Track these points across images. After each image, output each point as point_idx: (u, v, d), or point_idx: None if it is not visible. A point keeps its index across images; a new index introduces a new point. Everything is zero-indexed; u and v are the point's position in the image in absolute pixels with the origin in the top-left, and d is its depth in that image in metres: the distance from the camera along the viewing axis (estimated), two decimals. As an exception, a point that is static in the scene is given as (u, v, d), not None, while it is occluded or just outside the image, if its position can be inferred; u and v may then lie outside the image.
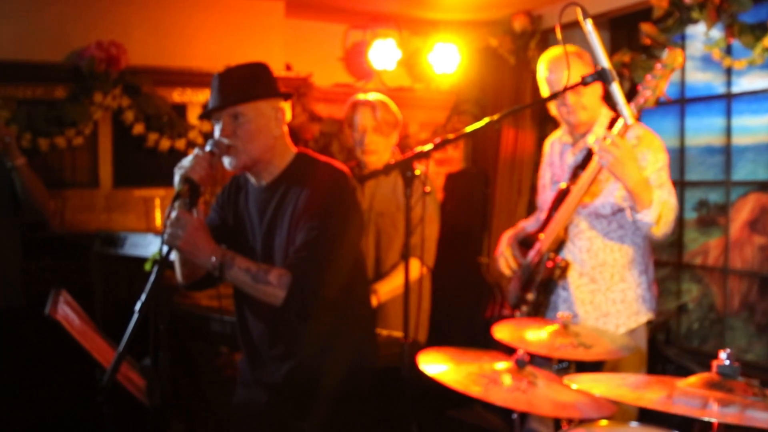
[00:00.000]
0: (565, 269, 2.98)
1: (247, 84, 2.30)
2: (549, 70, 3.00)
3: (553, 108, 3.08)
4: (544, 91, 3.05)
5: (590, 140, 2.97)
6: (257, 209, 2.40)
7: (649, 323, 3.06)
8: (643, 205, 2.68)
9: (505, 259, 3.17)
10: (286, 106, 2.40)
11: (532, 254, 3.09)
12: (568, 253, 3.02)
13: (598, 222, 2.96)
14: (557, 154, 3.20)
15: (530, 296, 3.03)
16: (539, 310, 3.03)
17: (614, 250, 2.97)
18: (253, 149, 2.30)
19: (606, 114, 3.03)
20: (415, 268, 3.27)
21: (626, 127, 2.70)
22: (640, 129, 2.93)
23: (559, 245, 3.00)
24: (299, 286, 2.17)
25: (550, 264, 2.98)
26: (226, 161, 2.30)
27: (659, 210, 2.68)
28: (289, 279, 2.17)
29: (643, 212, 2.69)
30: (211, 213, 2.54)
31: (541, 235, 3.06)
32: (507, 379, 2.11)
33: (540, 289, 3.01)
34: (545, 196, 3.21)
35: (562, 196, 2.99)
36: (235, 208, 2.47)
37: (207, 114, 2.33)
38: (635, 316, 2.98)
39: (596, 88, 2.95)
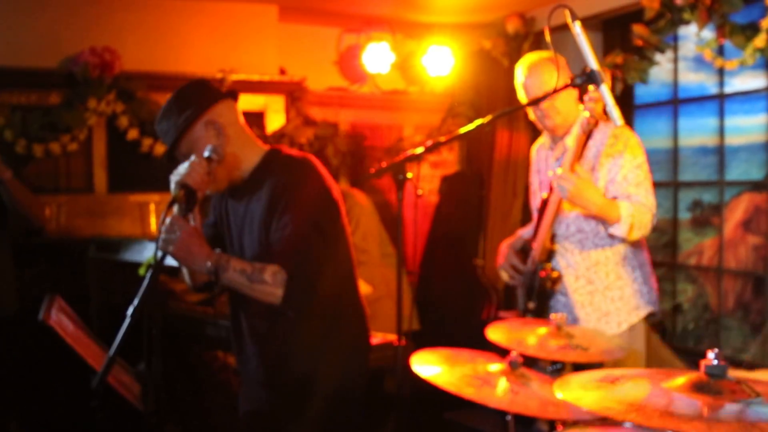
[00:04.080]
0: (556, 280, 3.03)
1: (170, 123, 2.26)
2: (526, 75, 3.04)
3: (530, 113, 3.11)
4: (521, 96, 3.09)
5: (568, 142, 3.00)
6: (233, 211, 2.42)
7: (650, 316, 3.08)
8: (612, 221, 2.80)
9: (505, 271, 3.21)
10: (227, 106, 2.31)
11: (529, 263, 3.12)
12: (561, 258, 3.06)
13: (587, 223, 2.98)
14: (543, 160, 3.23)
15: (531, 305, 3.07)
16: (542, 317, 3.04)
17: (605, 249, 2.99)
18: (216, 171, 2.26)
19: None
20: None
21: (576, 156, 2.78)
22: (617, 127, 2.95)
23: (549, 255, 3.05)
24: (295, 281, 2.17)
25: (542, 274, 3.03)
26: None
27: (629, 222, 2.78)
28: (284, 276, 2.17)
29: (613, 227, 2.82)
30: (211, 211, 2.55)
31: (534, 244, 3.10)
32: (500, 381, 2.12)
33: (539, 297, 3.06)
34: (536, 202, 3.24)
35: (544, 206, 3.03)
36: (221, 209, 2.49)
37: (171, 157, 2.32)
38: (635, 311, 3.00)
39: (571, 91, 2.96)
